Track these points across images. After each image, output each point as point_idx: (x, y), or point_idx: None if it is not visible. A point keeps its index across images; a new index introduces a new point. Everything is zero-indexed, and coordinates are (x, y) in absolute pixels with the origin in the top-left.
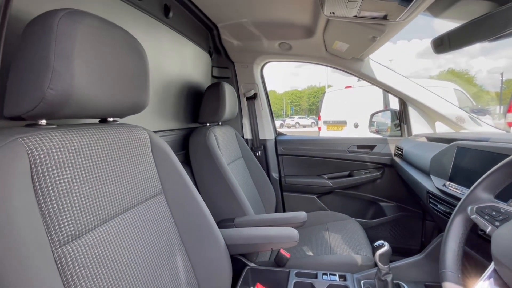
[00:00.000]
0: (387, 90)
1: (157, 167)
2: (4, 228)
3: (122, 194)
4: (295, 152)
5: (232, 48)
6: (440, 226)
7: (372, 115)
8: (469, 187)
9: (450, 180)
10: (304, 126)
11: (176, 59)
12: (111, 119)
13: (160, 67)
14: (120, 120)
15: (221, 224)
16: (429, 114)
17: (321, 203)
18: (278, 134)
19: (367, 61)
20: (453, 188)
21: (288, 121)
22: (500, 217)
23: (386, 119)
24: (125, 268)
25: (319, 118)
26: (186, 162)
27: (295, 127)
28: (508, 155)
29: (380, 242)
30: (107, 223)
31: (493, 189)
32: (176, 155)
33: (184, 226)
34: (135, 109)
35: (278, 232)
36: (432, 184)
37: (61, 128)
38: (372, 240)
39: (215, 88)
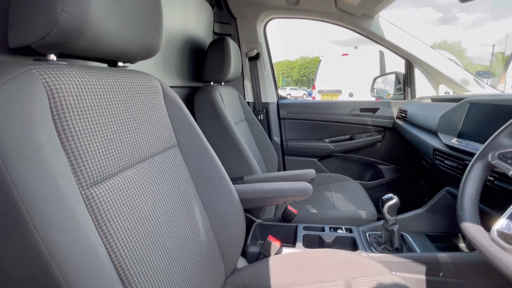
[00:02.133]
0: (394, 50)
1: (170, 119)
2: (34, 158)
3: (140, 143)
4: (297, 116)
5: (235, 0)
6: (442, 182)
7: (375, 79)
8: (480, 142)
9: (459, 136)
10: (296, 98)
11: (177, 10)
12: (121, 64)
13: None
14: (130, 66)
15: None
16: (434, 76)
17: (322, 166)
18: (280, 97)
19: (377, 19)
20: (463, 144)
21: (280, 92)
22: None
23: (386, 86)
24: (149, 214)
25: (313, 87)
26: None
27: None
28: None
29: (389, 195)
30: (129, 170)
31: None
32: None
33: (199, 179)
34: (147, 53)
35: (292, 186)
36: (439, 141)
37: (74, 66)
38: (372, 199)
39: (220, 43)
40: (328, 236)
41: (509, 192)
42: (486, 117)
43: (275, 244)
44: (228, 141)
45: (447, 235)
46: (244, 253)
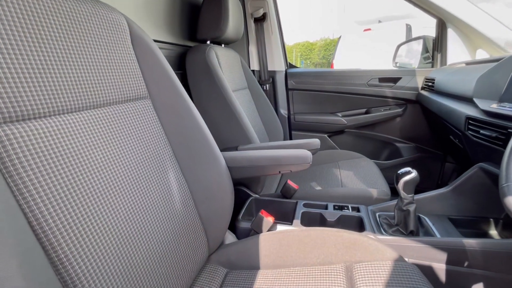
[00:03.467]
0: (424, 7)
1: (140, 65)
2: None
3: (93, 84)
4: (308, 86)
5: None
6: (473, 158)
7: (399, 46)
8: None
9: (502, 100)
10: None
11: None
12: None
13: None
14: None
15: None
16: (472, 39)
17: (333, 143)
18: (289, 66)
19: None
20: (508, 108)
21: None
22: None
23: (410, 58)
24: (101, 172)
25: (331, 66)
26: (184, 84)
27: None
28: None
29: (407, 168)
30: (72, 114)
31: None
32: None
33: (176, 138)
34: None
35: (288, 153)
36: (474, 108)
37: None
38: (387, 180)
39: None
40: (331, 214)
41: None
42: None
43: (268, 220)
44: (222, 106)
45: (475, 220)
46: (234, 229)
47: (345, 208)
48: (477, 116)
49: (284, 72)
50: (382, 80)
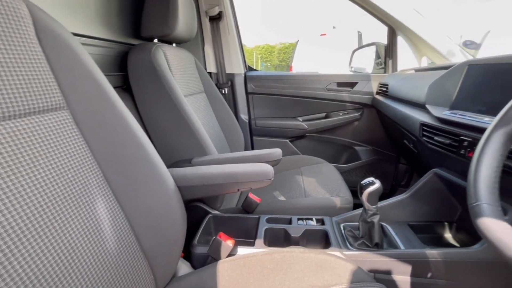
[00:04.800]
0: (376, 14)
1: (51, 66)
2: None
3: None
4: (268, 90)
5: None
6: (428, 163)
7: (354, 51)
8: (481, 112)
9: (453, 107)
10: None
11: None
12: None
13: None
14: None
15: (174, 166)
16: (419, 46)
17: (294, 148)
18: (248, 69)
19: None
20: (459, 115)
21: None
22: None
23: (364, 63)
24: None
25: (290, 69)
26: (126, 88)
27: None
28: None
29: (370, 179)
30: None
31: None
32: (110, 77)
33: (107, 158)
34: None
35: (247, 168)
36: (427, 115)
37: None
38: (347, 184)
39: None
40: (295, 230)
41: None
42: (492, 82)
43: (227, 244)
44: (172, 114)
45: (432, 224)
46: (189, 255)
47: (310, 220)
48: (431, 122)
49: (243, 75)
50: (340, 84)
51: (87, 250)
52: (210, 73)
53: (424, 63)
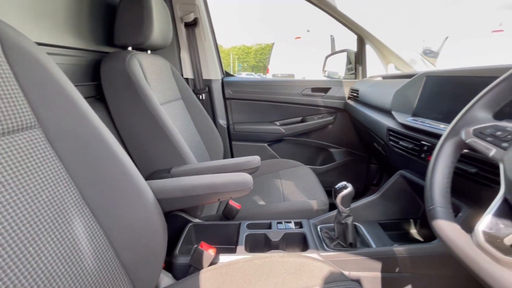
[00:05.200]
0: (346, 23)
1: (19, 82)
2: None
3: None
4: (245, 96)
5: None
6: (395, 165)
7: (327, 57)
8: (438, 119)
9: (415, 114)
10: None
11: None
12: None
13: None
14: None
15: (153, 177)
16: (385, 54)
17: (272, 151)
18: (225, 74)
19: None
20: (419, 122)
21: None
22: (509, 136)
23: (336, 67)
24: None
25: (267, 71)
26: (100, 98)
27: None
28: (493, 77)
29: (342, 183)
30: None
31: (493, 106)
32: (83, 87)
33: (84, 175)
34: None
35: (227, 179)
36: (393, 121)
37: None
38: (322, 185)
39: None
40: (275, 234)
41: (473, 176)
42: (445, 92)
43: (209, 253)
44: (149, 123)
45: (399, 222)
46: (170, 267)
47: (289, 223)
48: (396, 128)
49: (220, 81)
50: (314, 90)
51: (66, 272)
52: (187, 79)
53: (391, 69)
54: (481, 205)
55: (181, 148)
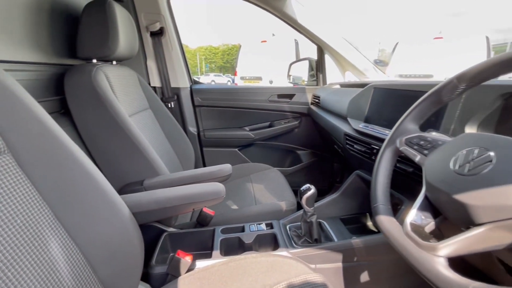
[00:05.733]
0: (306, 35)
1: None
2: None
3: None
4: (214, 103)
5: None
6: (352, 166)
7: (291, 64)
8: (384, 126)
9: (366, 121)
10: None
11: None
12: None
13: None
14: None
15: (125, 190)
16: (342, 63)
17: (243, 156)
18: (193, 82)
19: (290, 1)
20: (369, 128)
21: (204, 78)
22: (429, 145)
23: (301, 72)
24: None
25: (235, 73)
26: (64, 112)
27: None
28: (422, 91)
29: (306, 186)
30: None
31: (419, 119)
32: (46, 102)
33: (56, 196)
34: None
35: (200, 189)
36: (349, 126)
37: None
38: (291, 186)
39: (100, 7)
40: (248, 236)
41: (410, 175)
42: (388, 102)
43: (186, 260)
44: (118, 136)
45: (357, 216)
46: (148, 277)
47: (260, 225)
48: (351, 133)
49: (189, 89)
50: (280, 96)
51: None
52: (154, 88)
53: (348, 76)
54: (408, 194)
55: (153, 159)
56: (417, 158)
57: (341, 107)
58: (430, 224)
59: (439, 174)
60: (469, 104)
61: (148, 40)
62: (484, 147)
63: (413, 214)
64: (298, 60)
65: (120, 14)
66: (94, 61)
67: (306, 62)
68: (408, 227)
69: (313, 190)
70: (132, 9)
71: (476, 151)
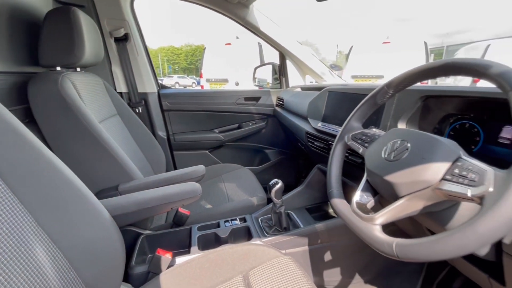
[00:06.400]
0: (269, 42)
1: None
2: None
3: None
4: (183, 107)
5: None
6: (314, 161)
7: (255, 68)
8: (338, 124)
9: (323, 120)
10: (185, 87)
11: None
12: None
13: None
14: None
15: (100, 195)
16: (302, 68)
17: (214, 157)
18: (161, 87)
19: (252, 10)
20: (326, 126)
21: (167, 80)
22: (369, 139)
23: (266, 76)
24: None
25: (201, 75)
26: (30, 121)
27: (175, 87)
28: (366, 94)
29: (275, 180)
30: None
31: (361, 119)
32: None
33: (38, 204)
34: None
35: (178, 189)
36: (309, 125)
37: None
38: (261, 183)
39: (64, 15)
40: (223, 231)
41: (359, 165)
42: (341, 103)
43: (166, 257)
44: (89, 143)
45: (320, 205)
46: (128, 277)
47: (234, 220)
48: (311, 132)
49: (157, 93)
50: (247, 99)
51: None
52: (121, 94)
53: (307, 79)
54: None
55: (126, 164)
56: (360, 150)
57: (302, 108)
58: (370, 202)
59: (374, 161)
60: (400, 105)
61: (112, 45)
62: (404, 139)
63: (358, 195)
64: (263, 64)
65: (85, 21)
66: (58, 68)
67: (270, 66)
68: (354, 205)
69: (280, 183)
70: (95, 15)
71: (398, 142)
